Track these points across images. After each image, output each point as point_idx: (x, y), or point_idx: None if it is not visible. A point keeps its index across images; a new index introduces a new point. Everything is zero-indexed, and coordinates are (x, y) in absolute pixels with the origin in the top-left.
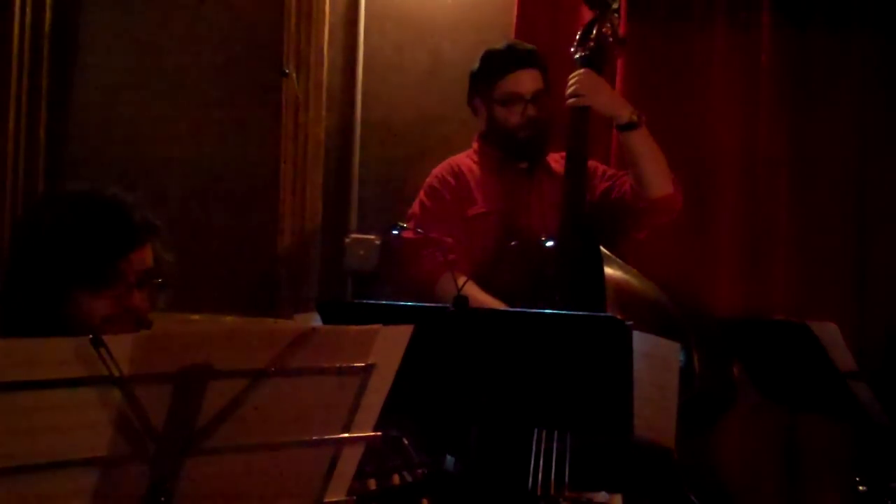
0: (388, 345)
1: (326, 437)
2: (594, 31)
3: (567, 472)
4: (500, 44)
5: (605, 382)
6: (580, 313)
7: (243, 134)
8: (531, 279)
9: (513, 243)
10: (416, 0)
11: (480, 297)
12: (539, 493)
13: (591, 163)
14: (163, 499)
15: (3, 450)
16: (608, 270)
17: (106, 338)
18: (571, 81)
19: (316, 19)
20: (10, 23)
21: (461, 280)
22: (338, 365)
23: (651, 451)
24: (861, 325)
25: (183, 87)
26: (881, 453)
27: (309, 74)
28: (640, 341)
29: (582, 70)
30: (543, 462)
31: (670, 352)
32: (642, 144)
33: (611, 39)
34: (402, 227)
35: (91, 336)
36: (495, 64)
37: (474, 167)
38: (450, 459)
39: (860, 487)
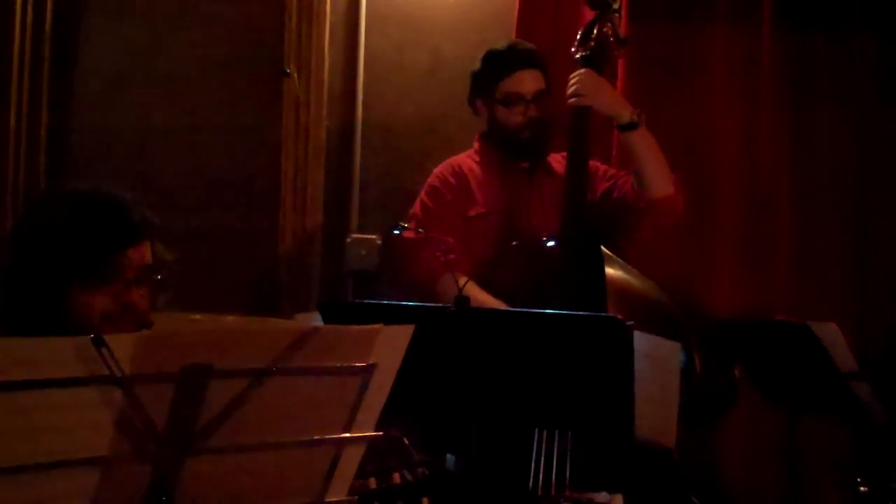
0: (389, 345)
1: (327, 436)
2: (595, 31)
3: (568, 472)
4: (501, 44)
5: (606, 383)
6: (581, 313)
7: (244, 134)
8: (532, 279)
9: (514, 243)
10: (417, 0)
11: (481, 297)
12: (540, 493)
13: (592, 163)
14: (164, 498)
15: (4, 449)
16: (609, 271)
17: (107, 337)
18: (572, 81)
19: (317, 19)
20: (11, 23)
21: (462, 280)
22: (339, 365)
23: (652, 452)
24: (861, 325)
25: (184, 88)
26: (882, 453)
27: (310, 74)
28: (641, 341)
29: (583, 70)
30: (544, 462)
31: (671, 352)
32: (643, 144)
33: (612, 39)
34: (403, 227)
35: (92, 336)
36: (497, 64)
37: (475, 167)
38: (450, 459)
39: (861, 488)
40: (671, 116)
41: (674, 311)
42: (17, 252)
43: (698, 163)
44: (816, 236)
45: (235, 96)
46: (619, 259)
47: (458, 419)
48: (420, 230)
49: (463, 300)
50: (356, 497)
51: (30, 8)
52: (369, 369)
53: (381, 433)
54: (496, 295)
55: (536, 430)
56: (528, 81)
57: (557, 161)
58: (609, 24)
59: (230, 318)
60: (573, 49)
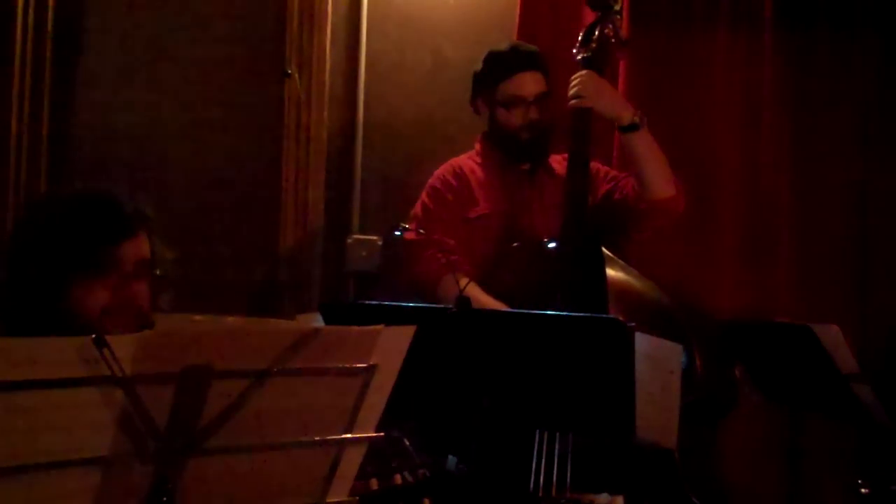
0: (390, 345)
1: (329, 437)
2: (596, 33)
3: (569, 474)
4: (503, 45)
5: (607, 384)
6: (582, 315)
7: (245, 134)
8: (533, 280)
9: (515, 244)
10: (419, 1)
11: (482, 299)
12: (541, 494)
13: (594, 164)
14: (165, 498)
15: (5, 449)
16: (610, 272)
17: (109, 338)
18: (573, 83)
19: (318, 20)
20: (12, 22)
21: (463, 281)
22: (340, 365)
23: (653, 453)
24: (863, 326)
25: (185, 88)
26: (883, 455)
27: (311, 75)
28: (642, 343)
29: (584, 71)
30: (545, 463)
31: (672, 353)
32: (644, 146)
33: (613, 41)
34: (405, 228)
35: (94, 336)
36: (498, 65)
37: (476, 168)
38: (451, 460)
39: (862, 489)
40: (672, 118)
41: (675, 313)
42: (17, 251)
43: (699, 164)
44: (817, 238)
45: (237, 97)
46: (620, 260)
47: (459, 420)
48: (421, 231)
49: (464, 301)
50: (357, 498)
51: (31, 8)
52: (370, 370)
53: (381, 434)
54: (497, 296)
55: (537, 432)
56: (528, 83)
57: (558, 162)
58: (610, 26)
59: (231, 319)
60: (574, 50)
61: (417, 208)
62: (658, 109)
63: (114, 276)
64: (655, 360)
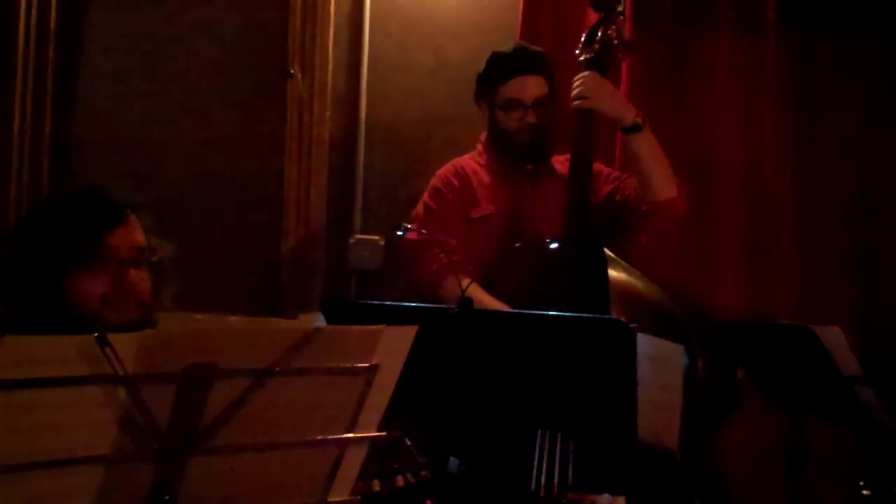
0: (392, 345)
1: (330, 436)
2: (599, 34)
3: (570, 474)
4: (507, 46)
5: (609, 384)
6: (584, 315)
7: (248, 134)
8: (535, 281)
9: (517, 245)
10: (421, 1)
11: (484, 299)
12: (542, 494)
13: (596, 165)
14: (167, 497)
15: (7, 447)
16: (612, 273)
17: (111, 336)
18: (576, 83)
19: (321, 20)
20: (15, 22)
21: (465, 281)
22: (342, 365)
23: (654, 454)
24: (865, 328)
25: (188, 87)
26: (885, 457)
27: (314, 75)
28: (644, 343)
29: (587, 72)
30: (547, 464)
31: (674, 354)
32: (646, 147)
33: (616, 42)
34: (407, 228)
35: (96, 334)
36: (499, 67)
37: (478, 169)
38: (453, 461)
39: (864, 491)
40: (675, 119)
41: (677, 314)
42: (15, 251)
43: (702, 165)
44: (820, 239)
45: (239, 96)
46: (622, 261)
47: (461, 421)
48: (423, 231)
49: (466, 301)
50: (358, 498)
51: (34, 9)
52: (372, 370)
53: (383, 434)
54: (499, 296)
55: (539, 432)
56: (528, 87)
57: (560, 163)
58: (613, 27)
59: (233, 319)
60: (577, 51)
61: (419, 208)
62: (660, 111)
63: (111, 263)
64: (657, 360)
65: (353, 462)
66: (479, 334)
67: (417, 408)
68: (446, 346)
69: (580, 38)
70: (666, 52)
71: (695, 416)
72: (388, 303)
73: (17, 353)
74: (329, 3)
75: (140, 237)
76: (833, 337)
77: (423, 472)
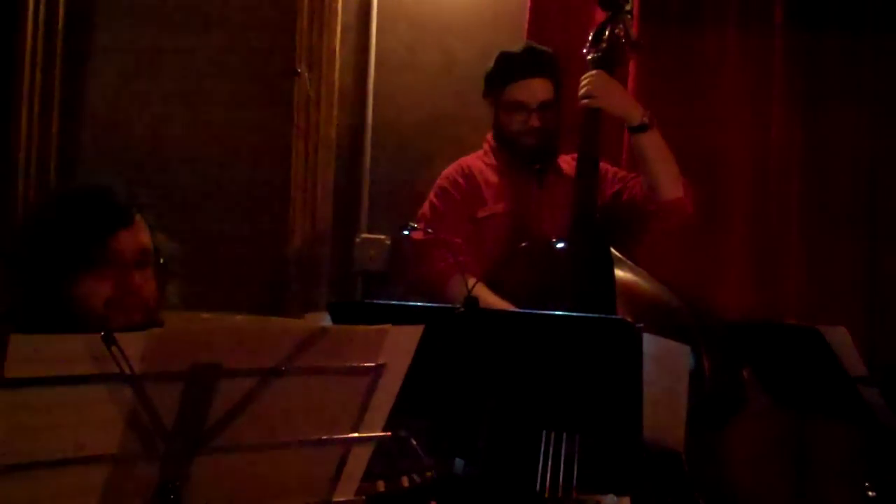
0: (398, 345)
1: (336, 436)
2: (607, 33)
3: (575, 475)
4: (516, 46)
5: (615, 385)
6: (590, 315)
7: (255, 133)
8: (541, 280)
9: (523, 244)
10: (429, 0)
11: (489, 299)
12: (547, 495)
13: (603, 164)
14: (172, 496)
15: (13, 446)
16: (618, 272)
17: (118, 335)
18: (584, 82)
19: (328, 19)
20: (23, 20)
21: (471, 281)
22: (348, 365)
23: (660, 454)
24: (871, 328)
25: (195, 86)
26: (890, 458)
27: (321, 74)
28: (650, 344)
29: (594, 71)
30: (552, 464)
31: (680, 355)
32: (654, 146)
33: (623, 41)
34: (413, 228)
35: (103, 333)
36: (506, 68)
37: (485, 168)
38: (458, 462)
39: (869, 492)
40: (682, 118)
41: (683, 314)
42: (19, 252)
43: (709, 164)
44: (827, 239)
45: (246, 95)
46: (628, 261)
47: (466, 420)
48: (429, 231)
49: (472, 301)
50: (363, 497)
51: (42, 5)
52: (378, 369)
53: (389, 434)
54: (505, 296)
55: (544, 432)
56: (534, 91)
57: (567, 162)
58: (621, 26)
59: (239, 318)
60: (585, 50)
61: (426, 208)
62: (668, 110)
63: (114, 267)
64: (663, 361)
65: (359, 462)
66: (485, 334)
67: (423, 408)
68: (452, 346)
69: (588, 36)
70: (673, 51)
71: (700, 416)
72: (393, 302)
73: (24, 352)
74: (336, 1)
75: (145, 240)
76: (839, 337)
77: (429, 473)
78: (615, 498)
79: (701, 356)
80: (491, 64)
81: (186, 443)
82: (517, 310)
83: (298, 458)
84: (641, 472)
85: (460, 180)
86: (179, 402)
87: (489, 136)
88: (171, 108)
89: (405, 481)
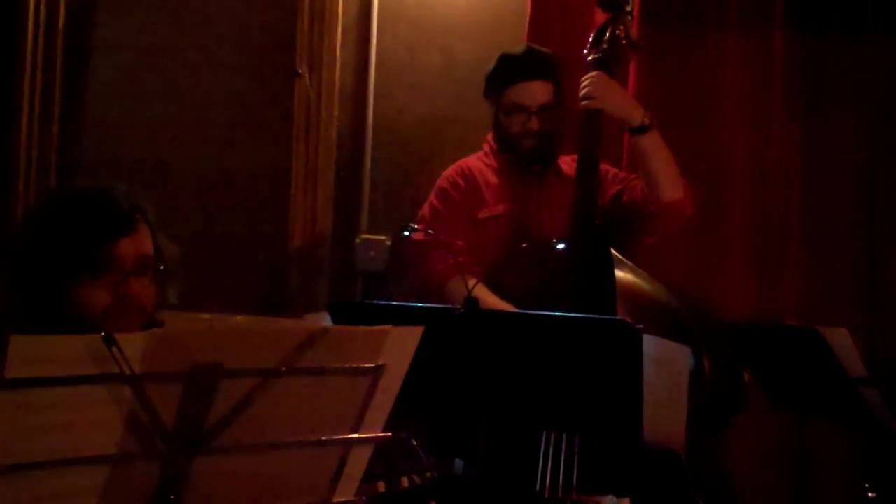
0: (399, 346)
1: (336, 437)
2: (607, 34)
3: (575, 475)
4: (518, 48)
5: (615, 386)
6: (590, 316)
7: (255, 133)
8: (541, 282)
9: (523, 245)
10: (429, 1)
11: (490, 300)
12: (547, 495)
13: (603, 165)
14: (172, 497)
15: (13, 446)
16: (619, 273)
17: (118, 336)
18: (584, 83)
19: (329, 20)
20: (24, 20)
21: (471, 282)
22: (348, 365)
23: (660, 455)
24: (871, 330)
25: (195, 86)
26: (890, 459)
27: (321, 74)
28: (651, 345)
29: (595, 72)
30: (552, 465)
31: (680, 356)
32: (654, 148)
33: (624, 42)
34: (413, 229)
35: (103, 334)
36: (507, 70)
37: (485, 169)
38: (458, 462)
39: (869, 494)
40: (683, 120)
41: (683, 315)
42: (18, 255)
43: (709, 166)
44: (827, 241)
45: (247, 95)
46: (628, 262)
47: (466, 421)
48: (429, 231)
49: (472, 302)
50: (363, 498)
51: (43, 5)
52: (378, 370)
53: (389, 434)
54: (505, 297)
55: (544, 433)
56: (534, 93)
57: (567, 163)
58: (622, 27)
59: (240, 318)
60: (585, 51)
61: (426, 209)
62: (668, 111)
63: (113, 275)
64: (663, 362)
65: (359, 462)
66: (485, 335)
67: (423, 408)
68: (452, 347)
69: (588, 37)
70: (674, 52)
71: (700, 417)
72: (394, 303)
73: (24, 353)
74: (337, 2)
75: (146, 246)
76: (840, 339)
77: (429, 473)
78: (615, 499)
79: (701, 357)
80: (491, 65)
81: (186, 443)
82: (517, 311)
83: (298, 459)
84: (641, 473)
85: (460, 181)
86: (179, 403)
87: (489, 137)
88: (172, 108)
89: (405, 482)
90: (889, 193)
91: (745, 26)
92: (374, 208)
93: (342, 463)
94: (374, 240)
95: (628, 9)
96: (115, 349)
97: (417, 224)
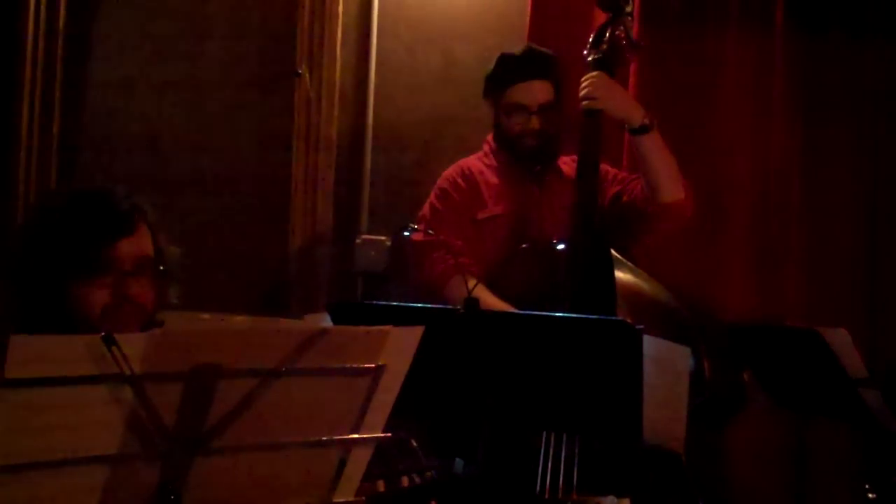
0: (399, 346)
1: (336, 437)
2: (607, 34)
3: (575, 476)
4: (517, 48)
5: (615, 386)
6: (591, 317)
7: (255, 133)
8: (541, 282)
9: (523, 246)
10: (430, 1)
11: (489, 301)
12: (547, 496)
13: (603, 166)
14: (172, 497)
15: (13, 446)
16: (619, 274)
17: (118, 336)
18: (584, 84)
19: (329, 20)
20: (24, 21)
21: (471, 282)
22: (348, 366)
23: (660, 456)
24: (872, 331)
25: (195, 87)
26: (890, 460)
27: (322, 75)
28: (651, 345)
29: (595, 72)
30: (552, 465)
31: (680, 356)
32: (654, 148)
33: (624, 42)
34: (413, 229)
35: (103, 334)
36: (506, 71)
37: (485, 169)
38: (458, 462)
39: (870, 494)
40: (683, 120)
41: (684, 316)
42: (18, 256)
43: (710, 167)
44: (827, 241)
45: (247, 95)
46: (628, 262)
47: (466, 422)
48: (429, 232)
49: (472, 302)
50: (363, 498)
51: (43, 6)
52: (378, 370)
53: (389, 435)
54: (505, 297)
55: (544, 433)
56: (534, 93)
57: (567, 164)
58: (622, 27)
59: (240, 318)
60: (585, 52)
61: (426, 209)
62: (668, 112)
63: (112, 275)
64: (663, 362)
65: (359, 463)
66: (486, 335)
67: (423, 409)
68: (452, 347)
69: (588, 38)
70: (674, 53)
71: (700, 417)
72: (394, 303)
73: (24, 353)
74: (337, 3)
75: (146, 246)
76: (840, 339)
77: (429, 473)
78: (615, 499)
79: (701, 358)
80: (491, 65)
81: (186, 443)
82: (517, 311)
83: (298, 459)
84: (641, 474)
85: (460, 182)
86: (179, 403)
87: (489, 137)
88: (172, 109)
89: (405, 482)
90: (889, 193)
91: (746, 27)
92: (374, 208)
93: (342, 463)
94: (374, 240)
95: (628, 9)
96: (115, 349)
97: (417, 224)
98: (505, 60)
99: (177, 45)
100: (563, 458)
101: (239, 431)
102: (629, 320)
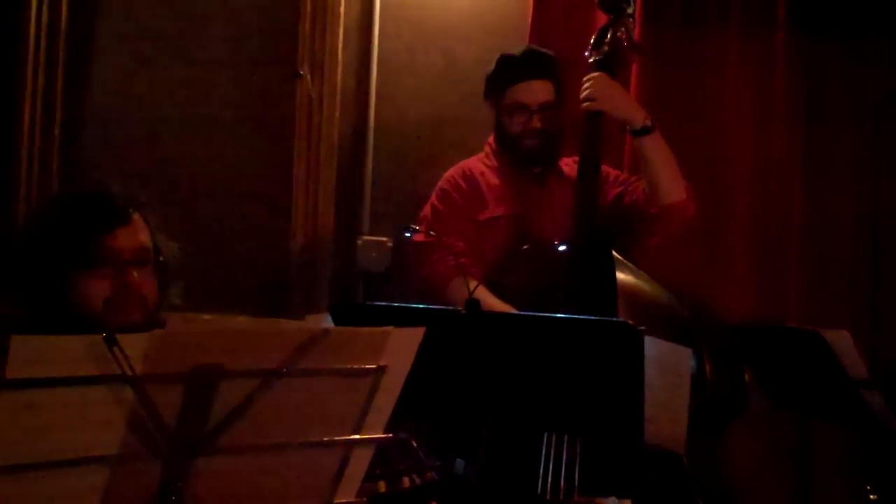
0: (400, 347)
1: (337, 437)
2: (609, 35)
3: (577, 477)
4: (517, 49)
5: (617, 387)
6: (592, 318)
7: (257, 134)
8: (543, 283)
9: (524, 247)
10: (431, 2)
11: (491, 302)
12: (548, 497)
13: (604, 167)
14: (173, 498)
15: (15, 447)
16: (620, 275)
17: (119, 336)
18: (585, 85)
19: (330, 21)
20: (26, 20)
21: (472, 283)
22: (349, 366)
23: (661, 457)
24: (873, 332)
25: (197, 87)
26: (892, 460)
27: (323, 76)
28: (652, 346)
29: (596, 74)
30: (553, 466)
31: (682, 357)
32: (656, 150)
33: (625, 44)
34: (414, 230)
35: (104, 334)
36: (506, 71)
37: (486, 170)
38: (459, 463)
39: (871, 495)
40: (684, 122)
41: (685, 317)
42: (20, 253)
43: (711, 168)
44: (829, 243)
45: (248, 96)
46: (630, 264)
47: (467, 422)
48: (431, 233)
49: (473, 303)
50: (364, 499)
51: (45, 5)
52: (379, 371)
53: (390, 435)
54: (506, 298)
55: (546, 435)
56: (535, 92)
57: (569, 165)
58: (623, 29)
59: (241, 319)
60: (587, 53)
61: (427, 210)
62: (670, 113)
63: (111, 266)
64: (665, 363)
65: (360, 463)
66: (487, 336)
67: (424, 409)
68: (454, 348)
69: (590, 39)
70: (675, 54)
71: (702, 419)
72: (395, 304)
73: (25, 353)
74: (339, 3)
75: (144, 238)
76: (841, 341)
77: (430, 474)
78: (616, 500)
79: (702, 359)
80: (492, 66)
81: (188, 444)
82: (518, 312)
83: (300, 460)
84: (643, 475)
85: (462, 183)
86: (181, 404)
87: (490, 138)
88: (174, 109)
89: (406, 482)
90: (891, 195)
91: (747, 28)
92: (376, 209)
93: (343, 464)
94: (375, 241)
95: (630, 10)
96: (116, 349)
97: (419, 225)
98: (505, 61)
99: (178, 46)
100: (564, 460)
101: (240, 432)
102: (630, 321)
